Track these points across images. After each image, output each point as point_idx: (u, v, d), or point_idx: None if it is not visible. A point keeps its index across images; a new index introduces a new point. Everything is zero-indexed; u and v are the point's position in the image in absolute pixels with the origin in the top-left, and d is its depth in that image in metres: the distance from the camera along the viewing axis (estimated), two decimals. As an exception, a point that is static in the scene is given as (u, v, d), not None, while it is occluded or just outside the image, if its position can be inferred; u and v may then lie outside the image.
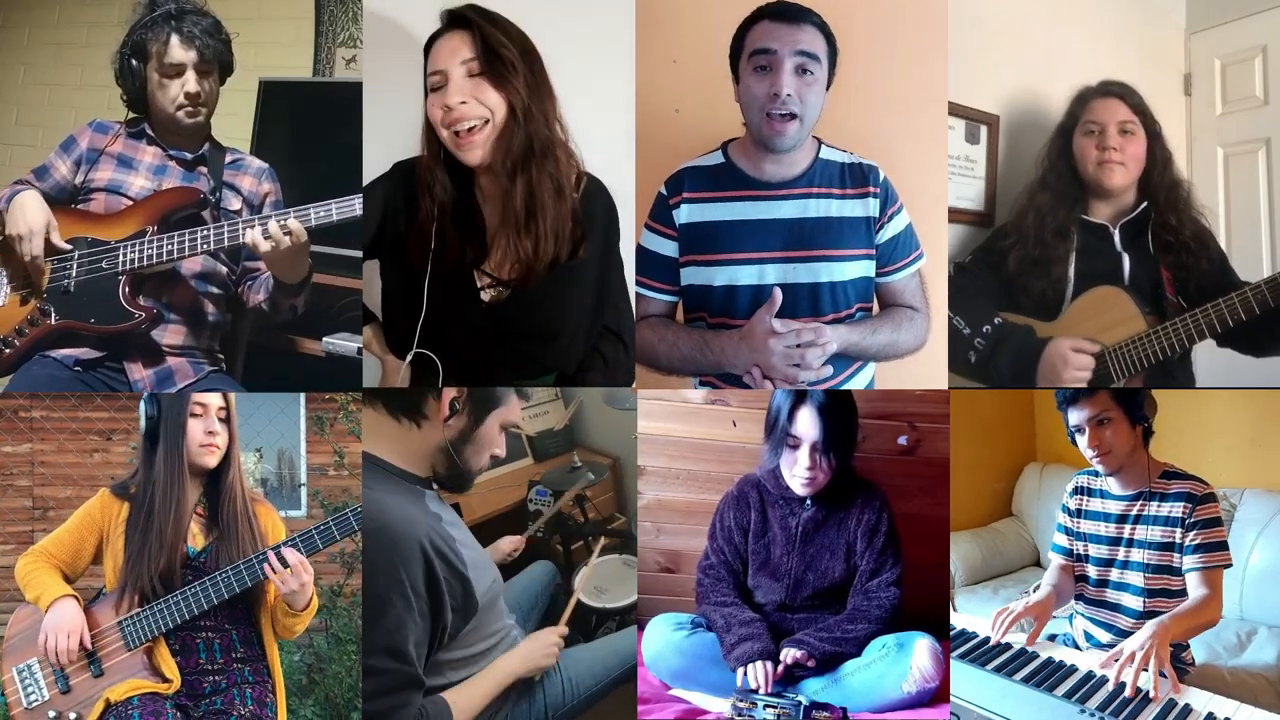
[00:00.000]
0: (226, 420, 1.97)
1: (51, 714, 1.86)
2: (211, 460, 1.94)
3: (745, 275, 2.11)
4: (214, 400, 1.96)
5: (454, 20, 1.98)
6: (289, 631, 1.96)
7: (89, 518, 1.95)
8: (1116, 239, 2.49)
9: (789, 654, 2.00)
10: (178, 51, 2.27)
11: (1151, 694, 1.79)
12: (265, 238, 2.12)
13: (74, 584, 1.93)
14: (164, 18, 2.28)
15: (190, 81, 2.29)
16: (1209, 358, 2.48)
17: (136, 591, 1.88)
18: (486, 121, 1.95)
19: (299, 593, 1.88)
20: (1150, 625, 1.89)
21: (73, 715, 1.85)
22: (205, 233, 2.22)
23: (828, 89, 2.08)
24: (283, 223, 2.11)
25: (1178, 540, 2.01)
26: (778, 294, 2.06)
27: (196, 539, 1.93)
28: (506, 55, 1.95)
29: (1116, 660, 1.85)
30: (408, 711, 1.76)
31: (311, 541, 1.90)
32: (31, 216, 2.21)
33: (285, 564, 1.87)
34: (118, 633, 1.88)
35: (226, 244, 2.21)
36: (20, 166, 2.42)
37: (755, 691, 1.97)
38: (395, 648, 1.74)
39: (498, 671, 1.92)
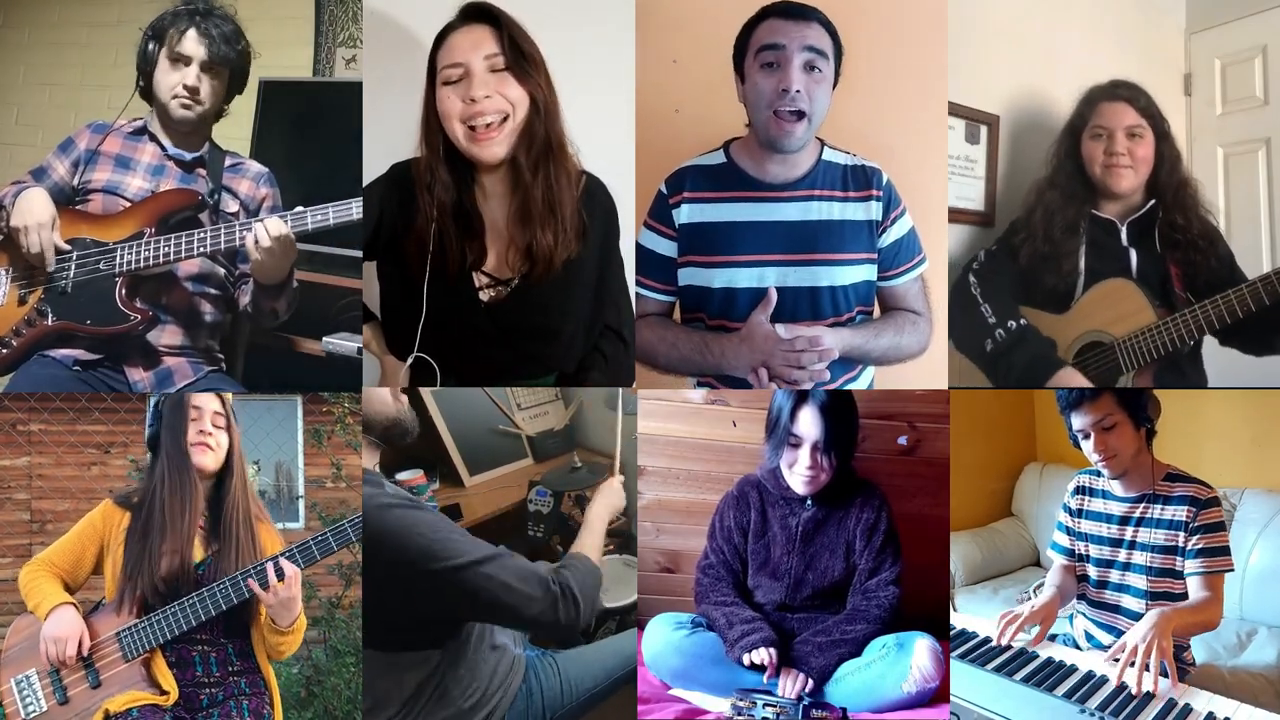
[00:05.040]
0: (226, 428, 1.96)
1: None
2: (205, 459, 1.93)
3: (745, 278, 2.11)
4: (209, 404, 1.96)
5: (472, 14, 1.98)
6: (276, 651, 1.93)
7: (90, 527, 1.95)
8: (1123, 235, 2.50)
9: (790, 684, 1.98)
10: (190, 43, 2.31)
11: (1151, 688, 1.79)
12: (255, 244, 2.13)
13: (75, 594, 1.93)
14: (190, 12, 2.32)
15: (190, 75, 2.31)
16: (1209, 358, 2.49)
17: (136, 601, 1.87)
18: (506, 118, 1.95)
19: (282, 608, 1.85)
20: (1152, 615, 1.89)
21: None
22: (203, 235, 2.22)
23: (833, 88, 2.07)
24: (263, 223, 2.12)
25: (1180, 544, 2.00)
26: (772, 294, 2.05)
27: (197, 551, 1.91)
28: (530, 50, 1.96)
29: (1119, 657, 1.85)
30: (535, 573, 1.80)
31: (309, 553, 1.88)
32: (39, 210, 2.22)
33: (280, 576, 1.84)
34: (116, 644, 1.87)
35: (224, 246, 2.21)
36: (20, 166, 2.43)
37: (763, 669, 1.96)
38: (456, 552, 1.74)
39: (594, 523, 2.07)
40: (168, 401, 1.96)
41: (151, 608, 1.87)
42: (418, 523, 1.73)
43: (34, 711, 1.86)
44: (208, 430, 1.93)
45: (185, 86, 2.31)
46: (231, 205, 2.40)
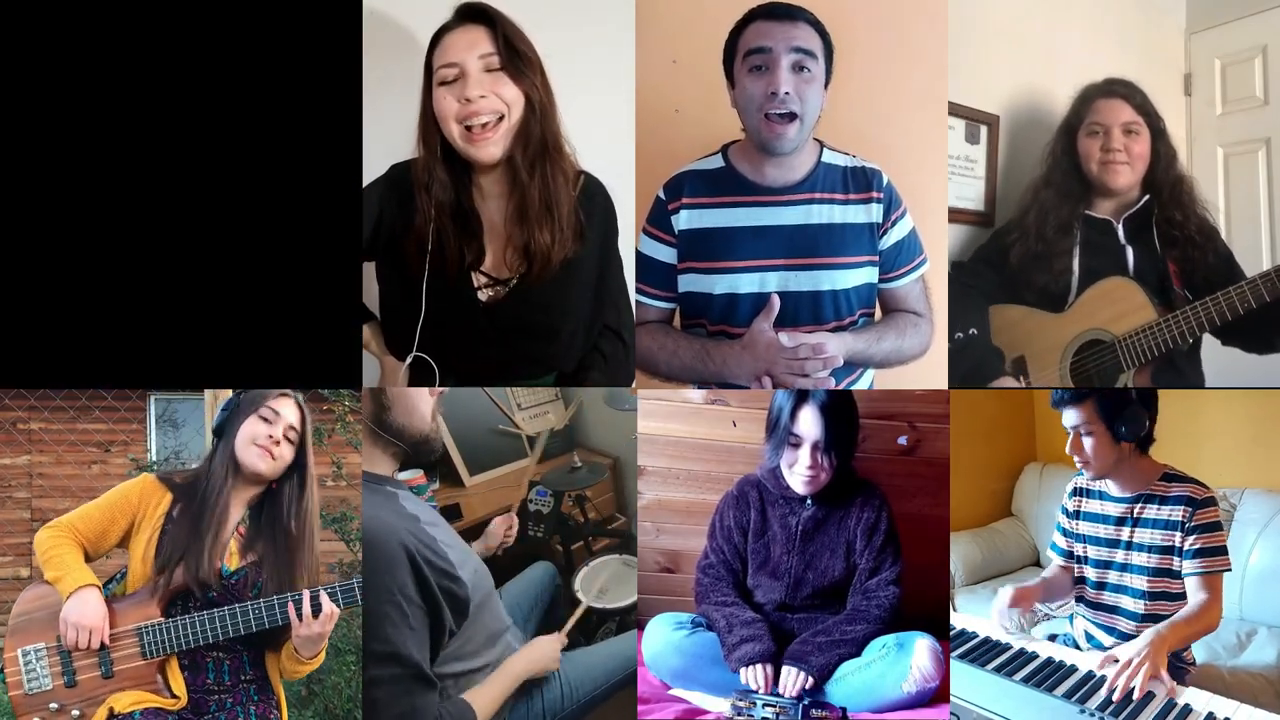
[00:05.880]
0: (298, 444, 1.91)
1: (53, 705, 1.80)
2: (262, 466, 1.87)
3: (746, 283, 2.10)
4: (288, 414, 1.90)
5: (468, 14, 1.98)
6: (292, 674, 1.91)
7: (124, 499, 1.87)
8: (1120, 233, 2.51)
9: (791, 683, 1.98)
10: None
11: (1136, 697, 1.78)
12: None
13: (92, 562, 1.85)
14: None
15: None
16: (1211, 357, 2.49)
17: (167, 595, 1.82)
18: (501, 118, 1.95)
19: (309, 641, 1.83)
20: (1148, 634, 1.88)
21: (75, 712, 1.80)
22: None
23: (825, 88, 2.06)
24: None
25: (1177, 544, 2.00)
26: (774, 301, 2.05)
27: (232, 558, 1.87)
28: (525, 50, 1.97)
29: (1114, 663, 1.85)
30: (425, 714, 1.76)
31: (351, 595, 1.84)
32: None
33: (316, 612, 1.82)
34: (135, 639, 1.82)
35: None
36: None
37: (756, 692, 1.97)
38: (396, 653, 1.73)
39: (506, 674, 1.94)
40: (246, 396, 1.90)
41: (180, 603, 1.83)
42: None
43: (38, 688, 1.80)
44: (276, 439, 1.88)
45: None
46: None
